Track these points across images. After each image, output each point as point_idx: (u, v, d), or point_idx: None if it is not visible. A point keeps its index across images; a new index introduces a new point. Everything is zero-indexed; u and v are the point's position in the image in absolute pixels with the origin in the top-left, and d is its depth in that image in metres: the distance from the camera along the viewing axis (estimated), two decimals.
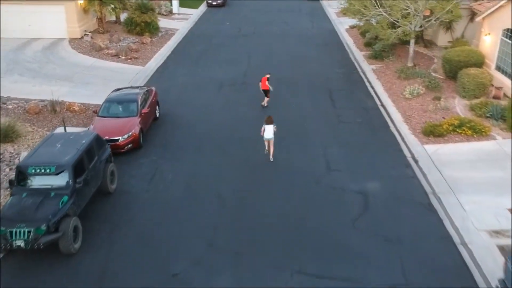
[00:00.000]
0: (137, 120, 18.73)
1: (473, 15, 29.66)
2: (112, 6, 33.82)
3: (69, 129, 19.86)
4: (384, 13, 26.82)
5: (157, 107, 21.45)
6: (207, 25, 41.64)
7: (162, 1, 46.25)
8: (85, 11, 33.24)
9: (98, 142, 15.18)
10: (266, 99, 22.78)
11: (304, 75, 27.90)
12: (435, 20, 26.15)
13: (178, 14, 44.74)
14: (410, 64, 27.88)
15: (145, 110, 19.34)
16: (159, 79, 27.25)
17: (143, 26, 34.47)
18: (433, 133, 19.27)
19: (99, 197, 15.19)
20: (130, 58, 30.00)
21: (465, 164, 17.31)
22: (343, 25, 40.73)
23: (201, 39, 36.33)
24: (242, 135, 20.07)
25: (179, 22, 41.73)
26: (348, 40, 35.85)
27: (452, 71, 24.01)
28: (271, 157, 17.68)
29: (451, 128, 19.22)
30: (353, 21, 37.56)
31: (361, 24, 33.84)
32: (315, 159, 18.01)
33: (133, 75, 27.43)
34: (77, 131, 16.83)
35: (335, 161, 17.89)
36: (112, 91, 20.79)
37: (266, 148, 17.89)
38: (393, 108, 22.71)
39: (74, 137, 14.75)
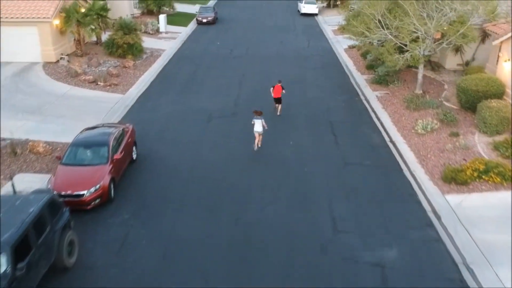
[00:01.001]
0: (107, 168, 15.80)
1: (485, 36, 27.17)
2: (92, 27, 31.01)
3: (30, 177, 17.00)
4: (389, 35, 24.20)
5: (134, 148, 18.54)
6: (196, 44, 38.91)
7: (148, 19, 43.58)
8: (62, 32, 30.40)
9: (52, 207, 12.24)
10: (279, 107, 23.34)
11: (302, 104, 25.16)
12: (447, 44, 23.54)
13: (166, 32, 42.01)
14: (418, 91, 25.24)
15: (118, 155, 16.41)
16: (140, 109, 24.39)
17: (126, 48, 31.67)
18: (455, 180, 16.50)
19: (51, 275, 12.17)
20: (109, 85, 27.13)
21: (498, 222, 14.52)
22: (341, 44, 38.17)
23: (189, 61, 33.57)
24: (233, 181, 17.21)
25: (166, 42, 38.99)
26: (347, 62, 33.23)
27: (469, 102, 21.35)
28: (256, 147, 19.20)
29: (476, 174, 16.44)
30: (352, 40, 35.17)
31: (361, 44, 31.23)
32: (319, 215, 15.15)
33: (111, 104, 24.56)
34: (28, 192, 13.75)
35: (342, 218, 15.04)
36: (81, 131, 17.85)
37: (256, 140, 19.14)
38: (404, 145, 19.95)
39: (21, 203, 11.80)
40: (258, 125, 18.84)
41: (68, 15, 29.68)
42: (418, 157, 18.80)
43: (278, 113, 23.19)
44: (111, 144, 16.45)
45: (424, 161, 18.40)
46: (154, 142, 20.42)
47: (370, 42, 26.19)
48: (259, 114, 18.96)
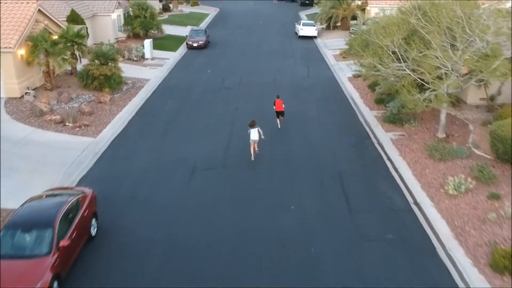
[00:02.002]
0: (49, 261, 11.81)
1: None
2: (64, 56, 27.23)
3: None
4: (406, 70, 20.48)
5: (93, 221, 14.57)
6: (185, 73, 35.20)
7: (133, 44, 39.93)
8: (29, 63, 26.58)
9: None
10: (281, 118, 23.64)
11: (303, 149, 21.33)
12: (476, 81, 19.84)
13: (152, 59, 38.33)
14: (441, 134, 21.45)
15: (66, 241, 12.42)
16: (111, 159, 20.47)
17: (102, 80, 27.87)
18: (509, 269, 12.56)
19: None
20: (80, 126, 23.25)
21: None
22: (344, 72, 34.55)
23: (175, 93, 29.78)
24: (218, 272, 13.21)
25: (151, 70, 35.25)
26: (353, 94, 29.52)
27: (509, 153, 17.52)
28: (252, 157, 19.76)
29: None
30: (356, 66, 31.61)
31: (368, 74, 27.50)
32: None
33: (78, 152, 20.67)
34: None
35: None
36: (23, 204, 13.85)
37: (251, 151, 19.74)
38: (433, 210, 16.07)
39: None
40: (254, 134, 19.51)
41: (36, 44, 25.90)
42: (453, 228, 14.90)
43: (279, 126, 23.63)
44: (57, 226, 12.47)
45: (462, 235, 14.50)
46: (122, 207, 16.45)
47: (384, 78, 22.38)
48: (253, 125, 19.59)
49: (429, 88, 19.89)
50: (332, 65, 37.64)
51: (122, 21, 43.79)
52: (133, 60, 37.15)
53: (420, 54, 20.28)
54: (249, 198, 17.01)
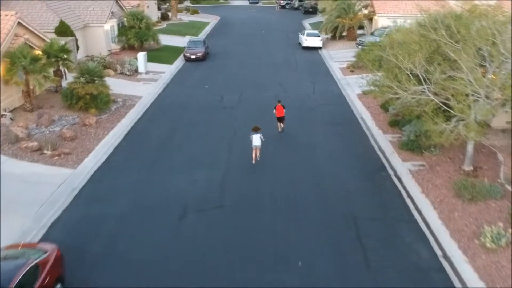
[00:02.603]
0: None
1: None
2: (46, 74, 24.72)
3: None
4: (429, 93, 17.88)
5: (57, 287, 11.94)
6: (181, 89, 32.66)
7: (127, 56, 37.44)
8: (6, 81, 24.07)
9: None
10: (282, 124, 23.66)
11: (311, 184, 18.71)
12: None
13: (146, 73, 35.81)
14: (467, 167, 18.81)
15: None
16: (90, 197, 17.86)
17: (88, 100, 25.31)
18: None
19: None
20: (59, 154, 20.70)
21: None
22: (352, 88, 31.96)
23: (168, 113, 27.21)
24: None
25: (145, 86, 32.74)
26: (364, 114, 26.90)
27: None
28: (253, 161, 19.93)
29: None
30: (364, 79, 29.07)
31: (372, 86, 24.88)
32: None
33: (53, 187, 18.12)
34: None
35: None
36: None
37: (253, 155, 19.83)
38: (467, 268, 13.41)
39: None
40: (256, 139, 19.64)
41: (13, 60, 23.40)
42: None
43: (279, 130, 23.74)
44: None
45: None
46: (96, 264, 13.81)
47: (402, 100, 19.73)
48: (256, 130, 19.81)
49: (455, 116, 17.24)
50: (339, 80, 35.05)
51: (116, 32, 41.33)
52: (125, 74, 34.66)
53: (444, 76, 17.74)
54: (248, 249, 14.37)
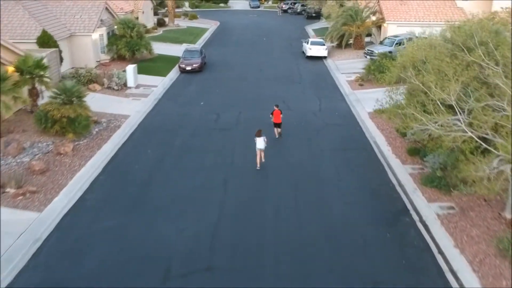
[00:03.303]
0: None
1: None
2: (16, 95, 21.70)
3: None
4: (463, 126, 14.77)
5: None
6: (173, 105, 29.62)
7: (116, 69, 34.39)
8: None
9: None
10: (279, 130, 23.39)
11: (320, 234, 15.61)
12: None
13: (136, 87, 32.78)
14: (509, 214, 15.65)
15: None
16: (54, 252, 14.77)
17: (65, 124, 22.26)
18: None
19: None
20: (23, 193, 17.64)
21: None
22: (362, 104, 28.93)
23: (156, 137, 24.12)
24: None
25: (133, 102, 29.70)
26: (377, 138, 23.79)
27: None
28: (258, 166, 20.07)
29: None
30: (375, 94, 26.07)
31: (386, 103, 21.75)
32: None
33: (11, 238, 15.06)
34: None
35: None
36: None
37: (257, 159, 20.02)
38: None
39: None
40: (260, 143, 19.89)
41: None
42: None
43: (277, 136, 23.41)
44: None
45: None
46: None
47: (428, 133, 16.57)
48: (259, 134, 20.03)
49: (497, 155, 14.11)
50: (347, 95, 31.94)
51: (106, 41, 38.29)
52: (113, 89, 31.61)
53: (480, 104, 14.65)
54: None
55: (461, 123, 14.93)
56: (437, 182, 18.01)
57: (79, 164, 20.49)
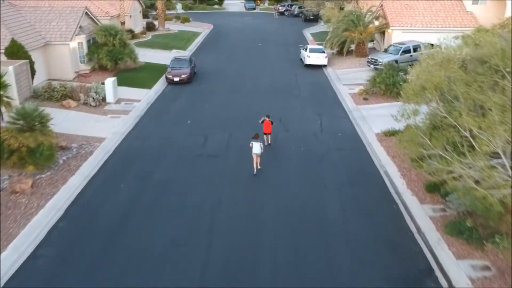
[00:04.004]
0: None
1: None
2: None
3: None
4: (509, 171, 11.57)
5: None
6: (156, 125, 26.37)
7: (94, 82, 31.10)
8: None
9: None
10: (269, 138, 22.77)
11: None
12: None
13: (116, 102, 29.49)
14: None
15: None
16: None
17: (24, 154, 18.96)
18: None
19: None
20: None
21: None
22: (368, 123, 25.82)
23: (133, 167, 20.87)
24: None
25: (111, 121, 26.43)
26: (388, 167, 20.60)
27: None
28: (255, 171, 19.71)
29: None
30: (381, 110, 23.07)
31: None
32: None
33: None
34: None
35: None
36: None
37: (254, 164, 19.63)
38: None
39: None
40: (256, 148, 19.54)
41: None
42: None
43: (267, 143, 22.59)
44: None
45: None
46: None
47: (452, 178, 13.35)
48: (257, 137, 19.72)
49: None
50: (350, 111, 28.74)
51: (86, 50, 34.96)
52: (90, 105, 28.30)
53: None
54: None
55: (508, 169, 11.72)
56: (467, 235, 14.81)
57: (37, 205, 17.22)
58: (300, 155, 22.16)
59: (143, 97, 31.11)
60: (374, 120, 26.35)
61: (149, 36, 53.37)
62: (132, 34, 49.89)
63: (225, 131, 25.18)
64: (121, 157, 22.01)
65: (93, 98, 28.56)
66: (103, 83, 29.68)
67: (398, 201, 17.97)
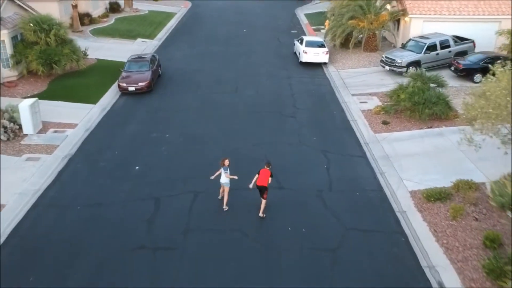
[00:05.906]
0: None
1: None
2: None
3: None
4: None
5: None
6: (87, 176, 18.10)
7: (7, 102, 22.43)
8: None
9: None
10: (262, 202, 15.61)
11: None
12: None
13: (40, 132, 20.99)
14: None
15: None
16: None
17: None
18: None
19: None
20: None
21: None
22: (396, 168, 18.11)
23: (38, 265, 12.57)
24: None
25: (24, 169, 18.11)
26: (445, 272, 12.54)
27: None
28: (224, 206, 15.55)
29: None
30: (411, 143, 15.50)
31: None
32: None
33: None
34: None
35: None
36: None
37: (220, 191, 15.83)
38: None
39: None
40: (224, 178, 15.46)
41: None
42: None
43: (260, 213, 15.30)
44: None
45: None
46: None
47: None
48: (223, 164, 15.48)
49: None
50: (367, 144, 20.61)
51: (10, 51, 26.10)
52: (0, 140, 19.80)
53: None
54: None
55: None
56: None
57: None
58: (301, 240, 14.07)
59: (81, 119, 22.68)
60: (403, 164, 18.40)
61: (112, 19, 44.12)
62: (89, 18, 40.88)
63: (188, 188, 17.02)
64: (20, 244, 13.73)
65: (4, 127, 20.04)
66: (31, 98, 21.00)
67: None
